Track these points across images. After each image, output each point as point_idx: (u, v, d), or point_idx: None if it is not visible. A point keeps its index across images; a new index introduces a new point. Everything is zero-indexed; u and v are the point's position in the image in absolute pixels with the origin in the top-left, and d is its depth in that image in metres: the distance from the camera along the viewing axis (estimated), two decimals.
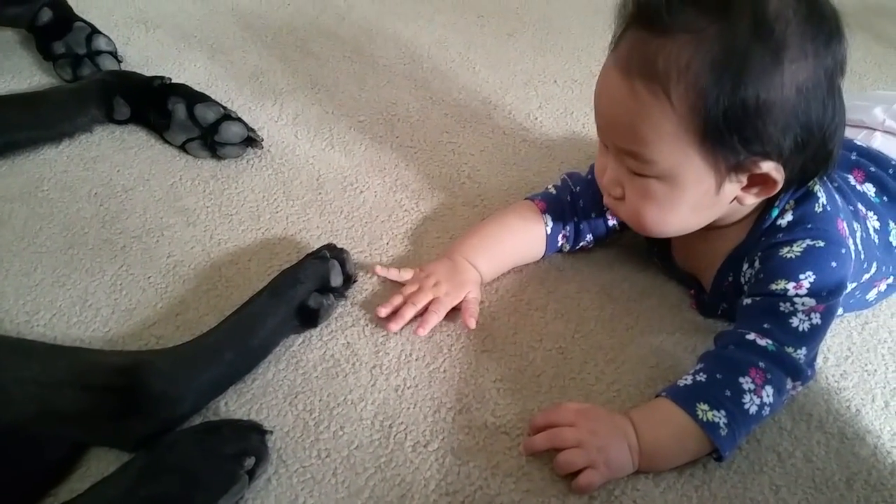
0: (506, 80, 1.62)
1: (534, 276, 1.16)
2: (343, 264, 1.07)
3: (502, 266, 1.15)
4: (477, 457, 0.92)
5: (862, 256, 1.02)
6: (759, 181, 0.92)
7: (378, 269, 1.13)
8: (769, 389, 0.90)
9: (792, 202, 0.98)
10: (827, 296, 0.94)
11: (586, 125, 1.50)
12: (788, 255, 0.95)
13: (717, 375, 0.91)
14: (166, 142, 1.34)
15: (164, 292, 1.08)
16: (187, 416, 0.92)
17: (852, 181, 1.08)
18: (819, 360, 1.01)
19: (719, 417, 0.88)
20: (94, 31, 1.50)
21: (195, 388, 0.92)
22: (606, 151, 0.98)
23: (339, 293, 1.07)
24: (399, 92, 1.55)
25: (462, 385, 0.99)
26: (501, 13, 1.88)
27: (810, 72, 0.87)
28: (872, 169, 1.10)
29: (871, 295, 1.11)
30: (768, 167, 0.90)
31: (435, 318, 1.06)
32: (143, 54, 1.57)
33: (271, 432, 0.91)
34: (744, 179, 0.92)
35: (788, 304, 0.94)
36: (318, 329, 1.04)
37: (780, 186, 0.92)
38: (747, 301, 0.97)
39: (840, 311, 0.99)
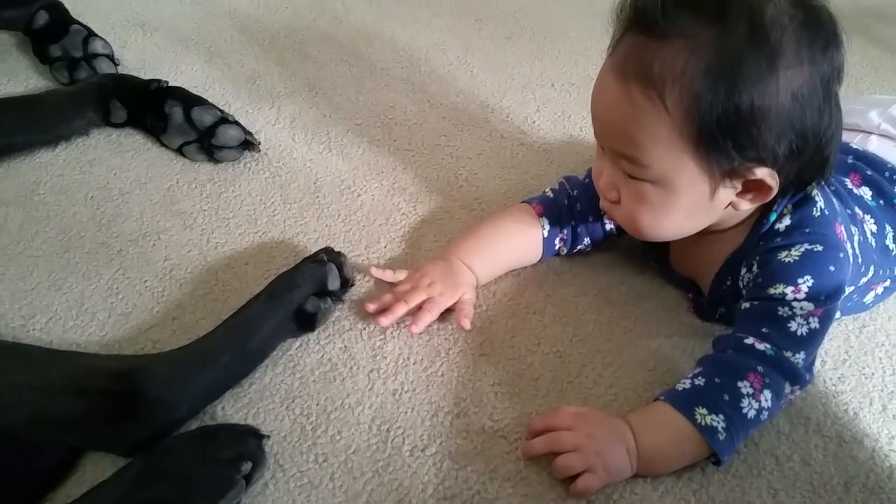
0: (503, 84, 1.62)
1: (532, 279, 1.16)
2: (340, 268, 1.07)
3: (498, 269, 1.15)
4: (475, 461, 0.92)
5: (859, 260, 1.02)
6: (753, 187, 0.92)
7: (373, 270, 1.13)
8: (767, 394, 0.90)
9: (790, 206, 0.98)
10: (825, 300, 0.94)
11: (584, 128, 1.50)
12: (787, 260, 0.95)
13: (716, 379, 0.91)
14: (163, 145, 1.34)
15: (161, 296, 1.08)
16: (184, 421, 0.91)
17: (849, 185, 1.08)
18: (817, 363, 1.01)
19: (718, 422, 0.88)
20: (91, 35, 1.49)
21: (192, 392, 0.91)
22: (603, 155, 0.98)
23: (337, 297, 1.07)
24: (397, 95, 1.55)
25: (460, 389, 0.99)
26: (499, 17, 1.88)
27: (806, 78, 0.87)
28: (869, 172, 1.10)
29: (869, 298, 1.11)
30: (763, 173, 0.90)
31: (429, 316, 1.06)
32: (139, 57, 1.57)
33: (268, 437, 0.90)
34: (738, 185, 0.92)
35: (787, 309, 0.94)
36: (315, 333, 1.04)
37: (774, 193, 0.93)
38: (745, 305, 0.97)
39: (837, 314, 0.99)
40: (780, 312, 0.94)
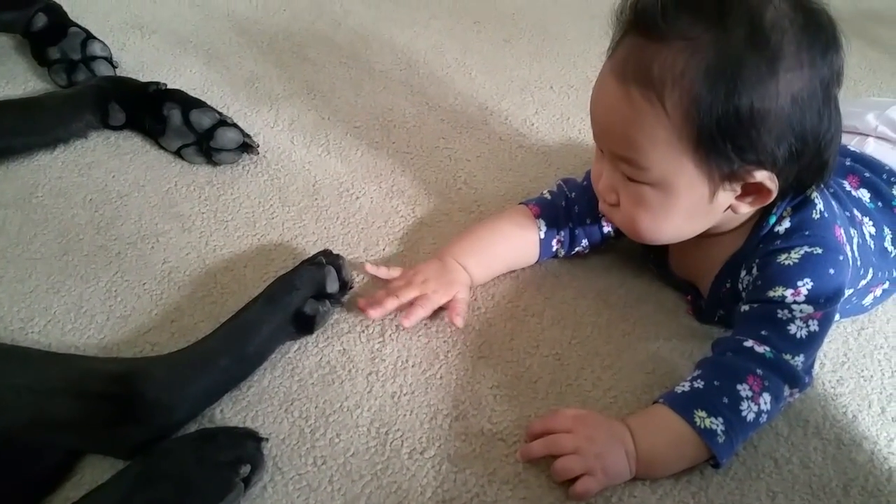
0: (502, 86, 1.62)
1: (530, 282, 1.16)
2: (339, 270, 1.07)
3: (493, 270, 1.15)
4: (473, 464, 0.92)
5: (858, 263, 1.02)
6: (752, 190, 0.93)
7: (368, 266, 1.13)
8: (767, 397, 0.90)
9: (789, 209, 0.98)
10: (825, 303, 0.94)
11: (582, 131, 1.50)
12: (786, 262, 0.95)
13: (715, 382, 0.91)
14: (162, 147, 1.34)
15: (160, 299, 1.08)
16: (182, 424, 0.91)
17: (847, 187, 1.08)
18: (815, 365, 1.01)
19: (717, 425, 0.88)
20: (89, 37, 1.49)
21: (190, 395, 0.91)
22: (602, 157, 0.98)
23: (336, 300, 1.07)
24: (395, 98, 1.55)
25: (458, 392, 0.99)
26: (498, 19, 1.88)
27: (805, 81, 0.87)
28: (867, 174, 1.10)
29: (868, 300, 1.11)
30: (762, 176, 0.90)
31: (421, 311, 1.06)
32: (138, 60, 1.57)
33: (267, 440, 0.90)
34: (738, 188, 0.92)
35: (786, 311, 0.94)
36: (314, 336, 1.04)
37: (774, 196, 0.93)
38: (745, 308, 0.97)
39: (836, 316, 0.99)
40: (779, 315, 0.94)
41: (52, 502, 0.85)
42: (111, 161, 1.31)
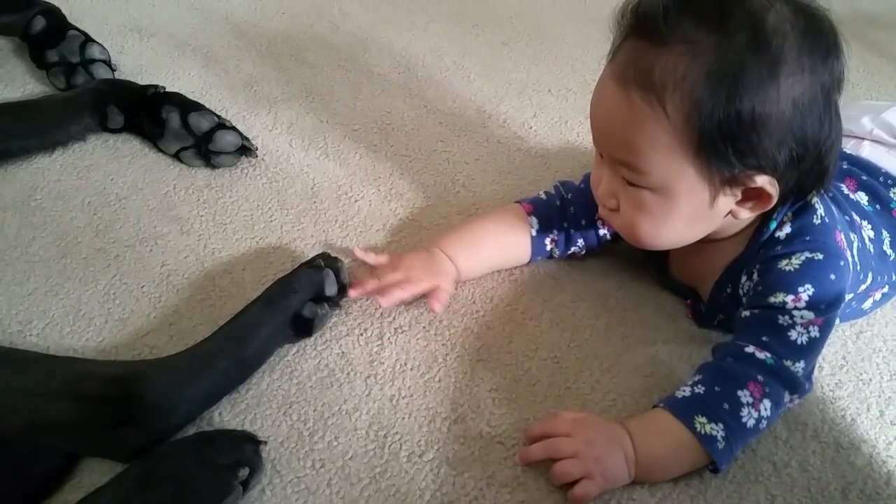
0: (500, 89, 1.62)
1: (529, 285, 1.16)
2: (337, 273, 1.07)
3: (481, 265, 1.15)
4: (472, 467, 0.91)
5: (858, 268, 1.02)
6: (753, 195, 0.92)
7: (357, 251, 1.14)
8: (767, 403, 0.90)
9: (790, 214, 0.98)
10: (825, 309, 0.94)
11: (581, 134, 1.50)
12: (787, 268, 0.95)
13: (716, 388, 0.91)
14: (160, 150, 1.34)
15: (158, 302, 1.08)
16: (181, 427, 0.91)
17: (845, 190, 1.09)
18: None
19: (717, 431, 0.88)
20: (88, 40, 1.49)
21: (189, 398, 0.91)
22: (602, 162, 0.98)
23: (334, 302, 1.07)
24: (394, 101, 1.55)
25: (457, 395, 0.99)
26: (496, 22, 1.88)
27: (807, 86, 0.87)
28: (864, 177, 1.10)
29: (867, 304, 1.11)
30: (763, 181, 0.90)
31: (400, 293, 1.07)
32: (137, 63, 1.57)
33: (265, 443, 0.90)
34: (738, 193, 0.92)
35: (787, 317, 0.94)
36: (312, 338, 1.04)
37: (774, 201, 0.93)
38: (746, 313, 0.97)
39: (836, 321, 0.99)
40: (780, 321, 0.94)
41: None
42: (110, 164, 1.31)
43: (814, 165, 0.91)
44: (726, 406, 0.89)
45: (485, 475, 0.91)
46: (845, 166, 1.11)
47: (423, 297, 1.10)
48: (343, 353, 1.03)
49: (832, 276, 0.95)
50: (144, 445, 0.87)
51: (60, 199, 1.23)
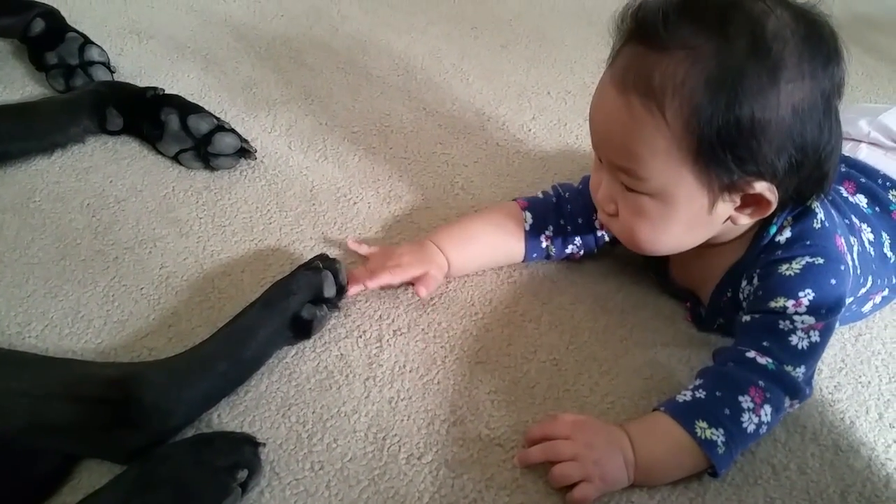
0: (499, 92, 1.62)
1: (528, 287, 1.16)
2: (336, 275, 1.07)
3: (473, 259, 1.15)
4: (471, 469, 0.91)
5: (858, 271, 1.02)
6: (752, 201, 0.92)
7: (350, 242, 1.16)
8: (768, 408, 0.90)
9: (790, 218, 0.98)
10: (826, 313, 0.94)
11: (580, 137, 1.50)
12: (787, 273, 0.95)
13: (717, 393, 0.91)
14: (159, 153, 1.34)
15: (157, 304, 1.08)
16: (180, 429, 0.91)
17: (844, 193, 1.09)
18: None
19: (717, 436, 0.88)
20: (87, 42, 1.49)
21: (188, 400, 0.91)
22: (601, 167, 0.98)
23: (333, 304, 1.07)
24: (393, 103, 1.55)
25: (456, 397, 0.99)
26: (495, 25, 1.88)
27: (807, 92, 0.86)
28: (863, 180, 1.10)
29: (867, 307, 1.11)
30: (762, 187, 0.90)
31: (387, 277, 1.09)
32: (136, 65, 1.57)
33: (264, 444, 0.90)
34: (737, 199, 0.92)
35: (788, 322, 0.94)
36: (311, 340, 1.04)
37: (773, 208, 0.92)
38: (746, 318, 0.97)
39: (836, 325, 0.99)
40: (780, 326, 0.94)
41: None
42: (109, 166, 1.31)
43: (813, 171, 0.91)
44: (727, 411, 0.89)
45: (483, 477, 0.91)
46: (843, 169, 1.11)
47: (424, 301, 1.10)
48: (342, 355, 1.03)
49: (833, 281, 0.94)
50: (143, 447, 0.87)
51: (59, 200, 1.23)
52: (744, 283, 1.01)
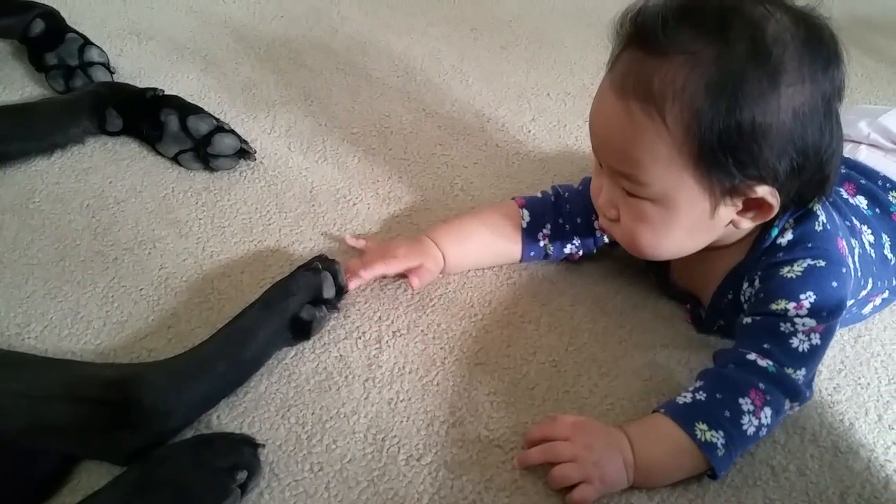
0: (499, 93, 1.62)
1: (527, 288, 1.16)
2: (335, 276, 1.07)
3: (469, 255, 1.16)
4: (470, 470, 0.91)
5: (859, 274, 1.02)
6: (754, 205, 0.92)
7: (348, 238, 1.18)
8: (768, 411, 0.90)
9: (791, 221, 0.97)
10: (827, 316, 0.94)
11: (579, 138, 1.50)
12: (789, 275, 0.95)
13: (717, 395, 0.91)
14: (159, 153, 1.34)
15: (156, 305, 1.08)
16: (179, 430, 0.91)
17: (844, 194, 1.08)
18: None
19: (717, 438, 0.88)
20: (87, 43, 1.49)
21: (187, 401, 0.91)
22: (602, 172, 0.98)
23: (332, 305, 1.07)
24: (392, 104, 1.55)
25: (455, 398, 0.99)
26: (495, 26, 1.88)
27: (807, 96, 0.86)
28: (863, 181, 1.10)
29: (867, 309, 1.11)
30: (763, 191, 0.90)
31: (381, 267, 1.10)
32: (135, 66, 1.57)
33: (263, 446, 0.90)
34: (739, 203, 0.92)
35: (789, 325, 0.94)
36: (310, 341, 1.04)
37: (775, 212, 0.92)
38: (747, 320, 0.97)
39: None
40: (781, 328, 0.94)
41: None
42: (108, 167, 1.31)
43: (815, 174, 0.91)
44: (727, 413, 0.89)
45: (483, 479, 0.91)
46: (844, 170, 1.11)
47: (424, 302, 1.10)
48: (341, 356, 1.03)
49: (834, 284, 0.94)
50: (142, 448, 0.87)
51: (59, 201, 1.23)
52: (745, 285, 1.01)
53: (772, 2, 0.87)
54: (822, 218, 0.97)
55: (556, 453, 0.89)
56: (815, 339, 0.93)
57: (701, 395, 0.91)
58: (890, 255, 1.07)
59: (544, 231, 1.15)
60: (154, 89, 1.38)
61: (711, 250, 1.00)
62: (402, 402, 0.98)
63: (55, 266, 1.12)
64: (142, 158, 1.33)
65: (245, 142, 1.34)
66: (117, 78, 1.51)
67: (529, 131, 1.52)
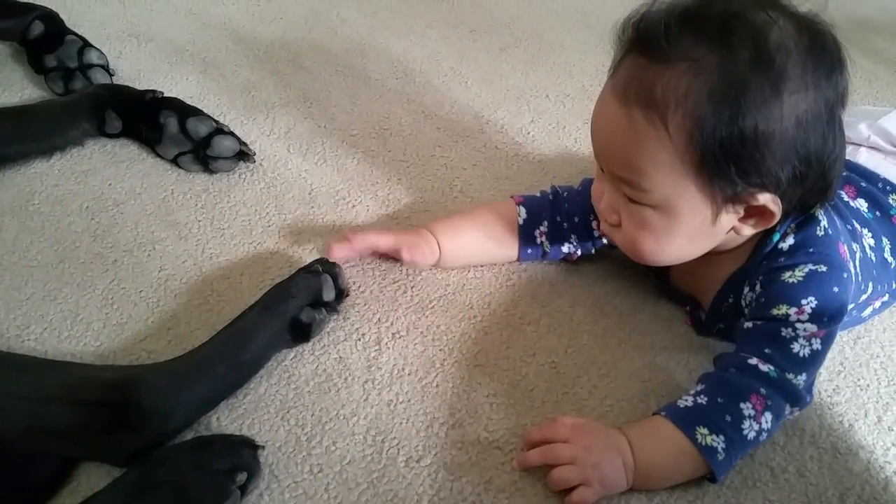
0: (498, 95, 1.62)
1: (526, 290, 1.16)
2: (335, 278, 1.07)
3: (465, 247, 1.16)
4: (470, 472, 0.91)
5: (860, 278, 1.01)
6: (755, 213, 0.92)
7: (346, 233, 1.17)
8: (768, 416, 0.90)
9: (793, 226, 0.97)
10: (828, 321, 0.94)
11: (578, 140, 1.50)
12: (790, 280, 0.95)
13: (719, 399, 0.91)
14: (158, 155, 1.34)
15: (156, 307, 1.08)
16: (179, 431, 0.91)
17: (845, 197, 1.08)
18: None
19: (718, 442, 0.88)
20: (86, 45, 1.49)
21: (187, 402, 0.91)
22: (603, 176, 0.98)
23: (332, 307, 1.07)
24: (391, 106, 1.55)
25: (455, 400, 0.99)
26: (494, 28, 1.88)
27: (810, 103, 0.86)
28: (863, 184, 1.10)
29: (866, 312, 1.11)
30: (765, 199, 0.90)
31: (374, 237, 1.14)
32: (134, 68, 1.57)
33: (263, 447, 0.90)
34: (740, 210, 0.92)
35: (790, 330, 0.93)
36: (310, 344, 1.04)
37: (777, 219, 0.92)
38: (748, 324, 0.97)
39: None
40: (783, 333, 0.94)
41: None
42: (108, 169, 1.31)
43: (817, 181, 0.91)
44: (728, 418, 0.89)
45: (482, 480, 0.91)
46: (844, 173, 1.10)
47: (423, 304, 1.10)
48: (341, 358, 1.03)
49: (835, 289, 0.94)
50: (142, 450, 0.87)
51: (58, 203, 1.23)
52: (746, 289, 1.00)
53: (775, 8, 0.87)
54: (824, 223, 0.97)
55: (556, 455, 0.89)
56: (816, 345, 0.93)
57: (702, 399, 0.91)
58: (890, 259, 1.07)
59: (541, 228, 1.15)
60: (153, 91, 1.38)
61: (712, 254, 1.00)
62: (401, 403, 0.98)
63: (55, 268, 1.12)
64: (141, 160, 1.33)
65: (244, 144, 1.34)
66: (116, 80, 1.51)
67: (528, 133, 1.52)
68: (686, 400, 0.92)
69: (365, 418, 0.96)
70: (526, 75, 1.71)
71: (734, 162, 0.86)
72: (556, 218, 1.14)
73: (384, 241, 1.12)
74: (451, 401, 0.99)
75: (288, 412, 0.96)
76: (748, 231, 0.95)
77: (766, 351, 0.93)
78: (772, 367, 0.92)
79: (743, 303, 1.01)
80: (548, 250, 1.16)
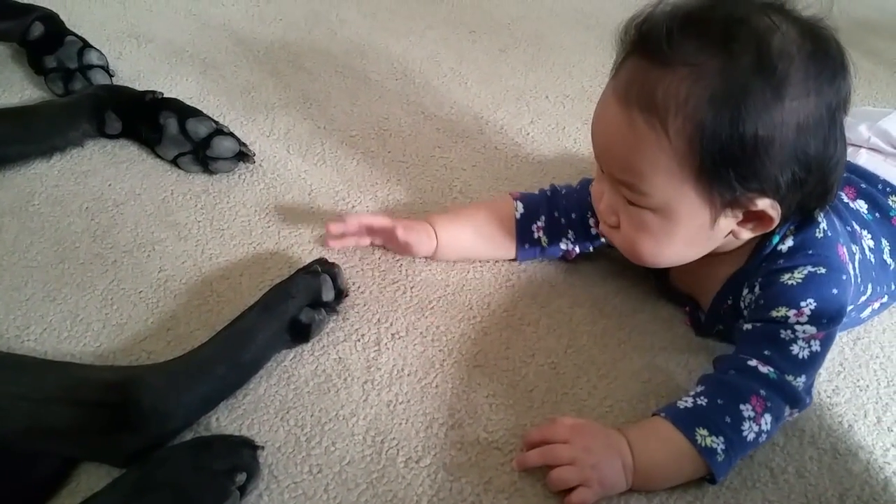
0: (497, 96, 1.62)
1: (526, 290, 1.16)
2: (335, 279, 1.07)
3: (462, 239, 1.17)
4: (469, 472, 0.91)
5: (859, 280, 1.01)
6: (754, 217, 0.92)
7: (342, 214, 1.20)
8: (768, 417, 0.90)
9: (792, 228, 0.97)
10: (827, 323, 0.93)
11: (578, 140, 1.50)
12: (790, 282, 0.95)
13: (719, 401, 0.90)
14: (158, 156, 1.34)
15: (156, 307, 1.08)
16: (178, 432, 0.91)
17: (845, 198, 1.08)
18: None
19: (718, 444, 0.88)
20: (86, 46, 1.49)
21: (186, 403, 0.91)
22: (603, 178, 0.98)
23: (331, 308, 1.07)
24: (391, 107, 1.55)
25: (454, 400, 0.99)
26: (493, 29, 1.88)
27: (812, 109, 0.86)
28: (863, 185, 1.10)
29: (866, 313, 1.11)
30: (764, 204, 0.90)
31: (368, 217, 1.16)
32: (134, 69, 1.57)
33: (262, 448, 0.90)
34: (739, 215, 0.92)
35: (789, 332, 0.93)
36: (309, 344, 1.04)
37: (776, 223, 0.92)
38: (748, 326, 0.97)
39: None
40: (782, 335, 0.93)
41: None
42: (107, 170, 1.31)
43: (817, 186, 0.91)
44: (728, 419, 0.89)
45: (482, 481, 0.91)
46: (844, 174, 1.10)
47: (423, 305, 1.11)
48: (340, 358, 1.03)
49: (835, 291, 0.94)
50: (142, 450, 0.87)
51: (58, 204, 1.23)
52: (745, 291, 1.00)
53: (778, 13, 0.87)
54: (823, 225, 0.97)
55: (555, 456, 0.89)
56: (815, 346, 0.93)
57: (702, 401, 0.91)
58: (889, 260, 1.07)
59: (539, 223, 1.15)
60: (153, 92, 1.38)
61: (712, 256, 1.00)
62: (401, 404, 0.98)
63: (54, 269, 1.12)
64: (141, 161, 1.33)
65: (244, 144, 1.34)
66: (116, 81, 1.51)
67: (528, 134, 1.52)
68: (686, 401, 0.92)
69: (364, 419, 0.96)
70: (525, 76, 1.71)
71: (734, 167, 0.86)
72: (554, 213, 1.15)
73: (379, 220, 1.13)
74: (450, 401, 0.99)
75: (287, 413, 0.96)
76: (746, 235, 0.95)
77: (766, 353, 0.93)
78: (771, 369, 0.92)
79: (742, 304, 1.01)
80: (545, 246, 1.16)
